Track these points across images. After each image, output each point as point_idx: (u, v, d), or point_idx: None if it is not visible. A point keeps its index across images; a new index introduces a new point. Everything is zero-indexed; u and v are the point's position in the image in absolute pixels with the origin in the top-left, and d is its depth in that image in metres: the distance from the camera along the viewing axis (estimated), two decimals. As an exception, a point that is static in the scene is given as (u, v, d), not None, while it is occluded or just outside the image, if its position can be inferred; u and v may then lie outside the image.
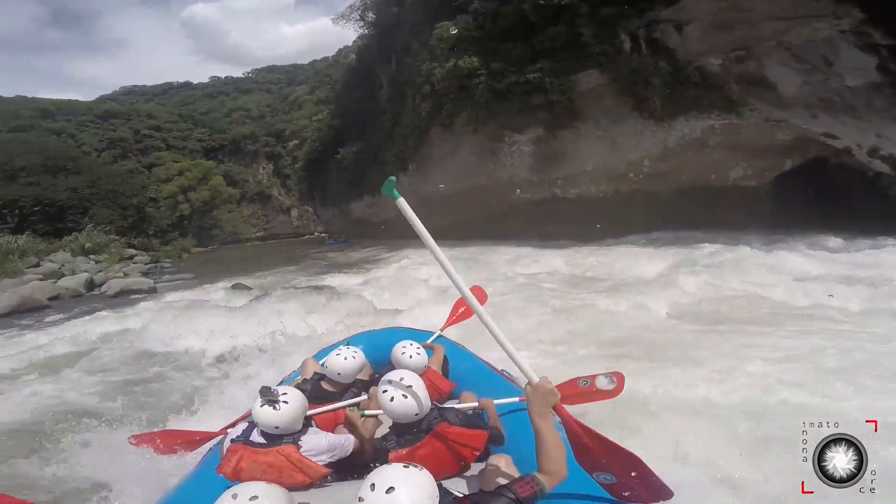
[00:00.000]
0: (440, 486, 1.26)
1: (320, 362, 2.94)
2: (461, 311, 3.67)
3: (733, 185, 15.06)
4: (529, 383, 1.62)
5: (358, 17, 30.21)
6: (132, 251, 29.40)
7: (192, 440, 2.55)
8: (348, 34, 39.51)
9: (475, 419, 2.00)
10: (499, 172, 18.85)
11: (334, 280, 12.65)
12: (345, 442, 2.03)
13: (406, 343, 2.70)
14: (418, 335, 3.31)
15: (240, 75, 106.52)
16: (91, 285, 16.84)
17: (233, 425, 2.29)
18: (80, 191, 29.76)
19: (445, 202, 22.55)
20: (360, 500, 1.14)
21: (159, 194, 55.38)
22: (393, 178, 1.57)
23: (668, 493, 1.60)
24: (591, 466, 1.62)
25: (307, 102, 54.08)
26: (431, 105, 20.02)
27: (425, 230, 1.60)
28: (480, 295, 3.28)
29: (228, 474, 1.79)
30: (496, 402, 2.28)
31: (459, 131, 19.29)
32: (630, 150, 15.88)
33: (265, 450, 1.85)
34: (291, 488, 1.54)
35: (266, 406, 1.87)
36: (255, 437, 1.90)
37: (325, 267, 18.96)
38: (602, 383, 2.14)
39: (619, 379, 2.14)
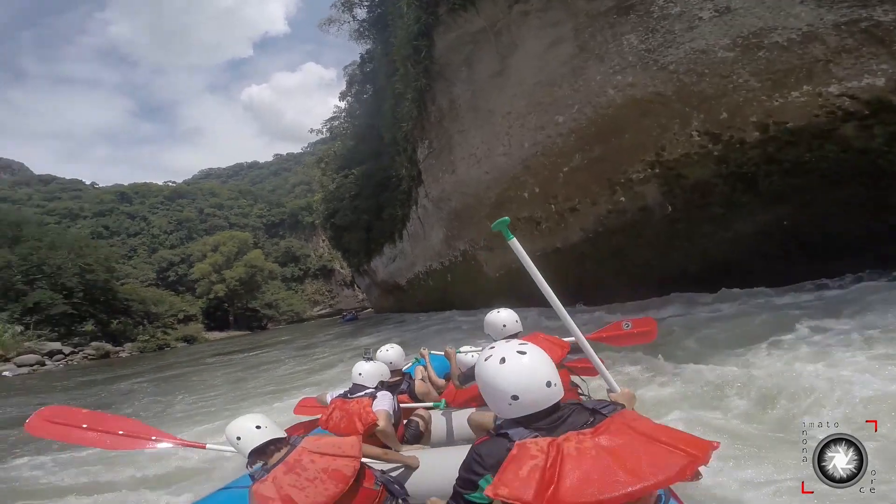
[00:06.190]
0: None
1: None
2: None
3: None
4: (611, 391, 1.96)
5: (345, 10, 20.90)
6: (51, 345, 20.21)
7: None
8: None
9: None
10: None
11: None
12: (396, 420, 2.72)
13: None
14: None
15: (299, 150, 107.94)
16: None
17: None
18: (13, 266, 21.86)
19: (505, 190, 9.93)
20: (502, 362, 1.28)
21: (192, 275, 49.44)
22: (506, 217, 1.78)
23: None
24: None
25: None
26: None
27: (539, 275, 1.89)
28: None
29: (324, 423, 2.61)
30: None
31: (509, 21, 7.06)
32: None
33: (351, 399, 2.59)
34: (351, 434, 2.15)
35: (361, 360, 2.81)
36: (348, 392, 2.70)
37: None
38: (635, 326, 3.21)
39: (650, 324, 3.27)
